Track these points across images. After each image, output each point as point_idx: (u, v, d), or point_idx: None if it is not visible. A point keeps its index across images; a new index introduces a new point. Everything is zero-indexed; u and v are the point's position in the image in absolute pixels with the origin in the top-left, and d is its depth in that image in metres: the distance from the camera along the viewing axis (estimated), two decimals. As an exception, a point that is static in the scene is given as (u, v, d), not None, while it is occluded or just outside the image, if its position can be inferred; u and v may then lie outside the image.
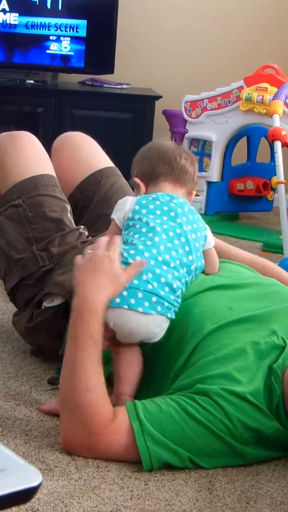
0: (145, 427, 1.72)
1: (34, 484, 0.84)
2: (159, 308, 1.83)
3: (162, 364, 1.93)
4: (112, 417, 1.74)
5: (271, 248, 3.71)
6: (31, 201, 2.31)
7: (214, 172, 4.31)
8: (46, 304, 2.19)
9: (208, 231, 2.03)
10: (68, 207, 2.36)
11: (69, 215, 2.35)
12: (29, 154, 2.40)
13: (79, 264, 1.83)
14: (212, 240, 2.03)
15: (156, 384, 1.92)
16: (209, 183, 4.34)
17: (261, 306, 1.94)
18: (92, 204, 2.47)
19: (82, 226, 2.33)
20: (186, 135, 4.40)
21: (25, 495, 0.83)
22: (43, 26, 4.52)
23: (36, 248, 2.26)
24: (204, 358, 1.81)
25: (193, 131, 4.38)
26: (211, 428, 1.73)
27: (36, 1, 4.49)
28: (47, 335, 2.22)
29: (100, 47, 4.59)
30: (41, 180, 2.34)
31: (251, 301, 1.96)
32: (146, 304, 1.82)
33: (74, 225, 2.33)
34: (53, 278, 2.18)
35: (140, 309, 1.82)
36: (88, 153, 2.58)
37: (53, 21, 4.52)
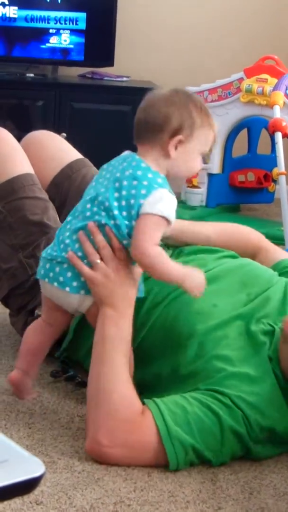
0: (172, 433, 1.71)
1: (37, 474, 0.84)
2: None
3: (157, 367, 1.94)
4: (141, 411, 1.74)
5: (273, 240, 3.66)
6: (10, 206, 2.25)
7: (215, 164, 4.31)
8: (38, 312, 2.18)
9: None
10: (49, 204, 2.32)
11: (52, 213, 2.30)
12: (2, 154, 2.32)
13: (96, 279, 1.78)
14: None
15: (153, 382, 1.93)
16: (210, 175, 4.33)
17: (243, 299, 1.97)
18: (67, 200, 2.42)
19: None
20: (187, 127, 4.38)
21: (28, 486, 0.84)
22: (42, 19, 4.51)
23: (23, 255, 2.22)
24: (220, 372, 1.82)
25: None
26: (234, 427, 1.75)
27: (35, -5, 4.48)
28: None
29: (99, 40, 4.58)
30: (18, 182, 2.27)
31: (232, 295, 1.98)
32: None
33: (59, 222, 2.28)
34: None
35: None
36: (53, 150, 2.54)
37: (52, 14, 4.50)
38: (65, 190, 2.45)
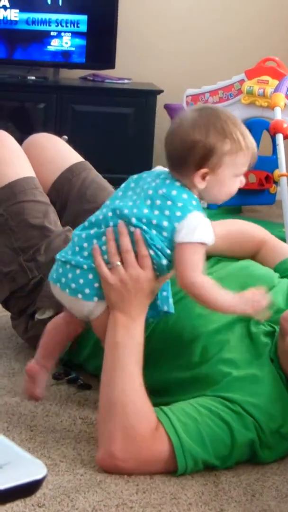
0: (184, 445, 1.69)
1: (39, 476, 0.84)
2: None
3: (159, 372, 1.93)
4: (156, 425, 1.71)
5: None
6: (12, 209, 2.24)
7: (216, 166, 4.30)
8: (38, 316, 2.18)
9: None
10: (51, 208, 2.31)
11: (53, 216, 2.29)
12: (3, 158, 2.32)
13: (112, 281, 1.74)
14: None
15: (156, 388, 1.93)
16: (212, 177, 4.33)
17: None
18: (68, 203, 2.43)
19: (67, 228, 2.26)
20: (188, 129, 4.38)
21: (30, 488, 0.84)
22: (43, 22, 4.51)
23: (23, 259, 2.21)
24: (225, 376, 1.81)
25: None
26: (244, 435, 1.74)
27: (36, -3, 4.49)
28: None
29: (101, 42, 4.59)
30: (19, 185, 2.27)
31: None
32: None
33: (60, 226, 2.29)
34: (44, 290, 2.14)
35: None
36: (54, 153, 2.53)
37: (53, 16, 4.51)
38: (65, 194, 2.45)
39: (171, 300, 1.84)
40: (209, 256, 2.11)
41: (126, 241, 1.73)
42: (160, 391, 1.89)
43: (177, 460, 1.69)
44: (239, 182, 1.77)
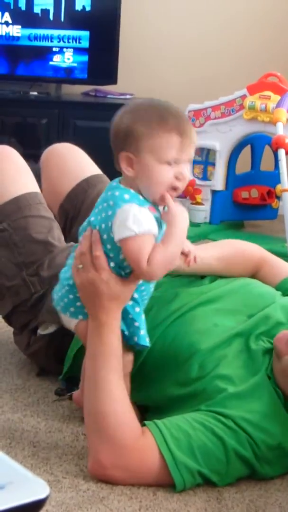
0: (177, 459, 1.69)
1: (42, 496, 0.84)
2: None
3: (157, 389, 1.93)
4: (141, 434, 1.72)
5: (277, 256, 3.70)
6: (16, 224, 2.24)
7: (218, 181, 4.32)
8: (40, 331, 2.18)
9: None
10: (55, 224, 2.31)
11: (57, 232, 2.29)
12: (8, 173, 2.32)
13: (77, 285, 1.78)
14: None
15: (155, 404, 1.93)
16: (214, 192, 4.34)
17: (243, 319, 1.96)
18: (80, 214, 2.43)
19: (71, 243, 2.26)
20: (190, 144, 4.39)
21: (33, 508, 0.83)
22: (46, 38, 4.53)
23: (26, 273, 2.21)
24: (221, 392, 1.80)
25: (197, 140, 4.37)
26: (238, 450, 1.73)
27: (38, 13, 4.50)
28: (47, 361, 2.22)
29: (103, 58, 4.60)
30: (24, 200, 2.26)
31: (233, 314, 1.98)
32: None
33: (64, 242, 2.29)
34: (46, 305, 2.13)
35: None
36: (74, 163, 2.55)
37: (56, 32, 4.53)
38: (79, 204, 2.46)
39: (143, 332, 1.80)
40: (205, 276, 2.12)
41: (83, 244, 1.76)
42: (158, 408, 1.89)
43: (172, 474, 1.69)
44: (174, 172, 1.67)
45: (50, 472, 1.75)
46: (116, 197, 1.69)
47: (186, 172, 1.69)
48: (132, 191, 1.69)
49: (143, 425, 1.75)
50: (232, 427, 1.73)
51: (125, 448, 1.70)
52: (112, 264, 1.74)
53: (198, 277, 2.13)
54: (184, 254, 1.91)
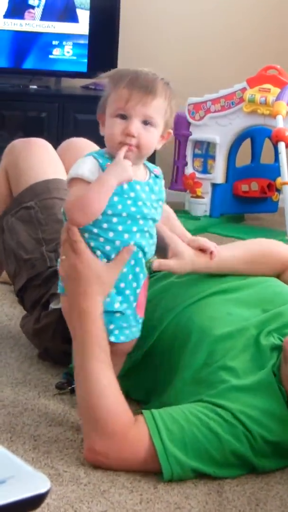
0: (168, 451, 1.71)
1: (43, 490, 0.84)
2: None
3: (164, 371, 1.95)
4: (133, 422, 1.74)
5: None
6: (43, 203, 2.33)
7: (218, 174, 4.31)
8: (53, 305, 2.20)
9: None
10: None
11: None
12: (43, 159, 2.44)
13: (62, 276, 1.81)
14: None
15: (161, 386, 1.93)
16: (214, 185, 4.34)
17: (257, 313, 1.96)
18: None
19: None
20: (190, 137, 4.40)
21: (34, 502, 0.83)
22: (45, 31, 4.52)
23: (46, 249, 2.26)
24: (223, 383, 1.81)
25: (197, 134, 4.38)
26: (233, 446, 1.73)
27: (38, 7, 4.49)
28: (53, 337, 2.22)
29: (102, 51, 4.60)
30: (54, 183, 2.37)
31: (248, 307, 1.98)
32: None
33: None
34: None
35: None
36: None
37: (55, 25, 4.52)
38: None
39: (139, 327, 1.84)
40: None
41: (62, 235, 1.80)
42: (164, 393, 1.91)
43: (160, 462, 1.70)
44: (115, 124, 1.74)
45: (51, 465, 1.76)
46: (80, 160, 1.76)
47: (133, 128, 1.72)
48: (103, 151, 1.77)
49: (140, 413, 1.76)
50: (229, 420, 1.74)
51: (116, 435, 1.72)
52: (98, 253, 1.76)
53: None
54: (203, 251, 1.92)
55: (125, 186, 1.75)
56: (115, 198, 1.74)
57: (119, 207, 1.75)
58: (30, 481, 0.85)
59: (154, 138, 1.76)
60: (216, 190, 4.34)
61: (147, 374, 1.99)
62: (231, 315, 1.93)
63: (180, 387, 1.87)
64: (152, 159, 5.03)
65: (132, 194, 1.76)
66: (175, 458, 1.70)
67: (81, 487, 1.68)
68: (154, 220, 1.82)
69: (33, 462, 1.77)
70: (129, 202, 1.76)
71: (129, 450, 1.73)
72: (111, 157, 1.74)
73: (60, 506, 1.60)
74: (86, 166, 1.73)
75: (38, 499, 0.83)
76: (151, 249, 1.83)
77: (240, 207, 4.48)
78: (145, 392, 2.00)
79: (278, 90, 3.95)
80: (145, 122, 1.73)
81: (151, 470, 1.73)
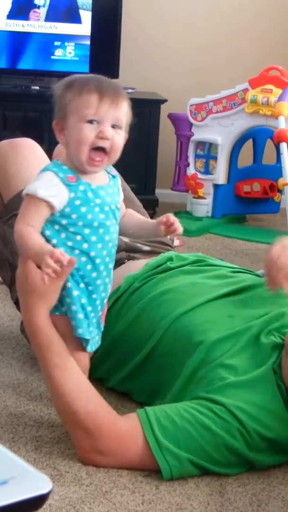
0: (162, 444, 1.72)
1: (45, 491, 0.84)
2: None
3: (166, 374, 1.95)
4: (115, 414, 1.76)
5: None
6: None
7: (220, 175, 4.31)
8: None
9: None
10: None
11: None
12: (31, 162, 2.37)
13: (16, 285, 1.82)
14: None
15: (164, 389, 1.94)
16: (216, 186, 4.34)
17: (259, 315, 1.96)
18: None
19: None
20: (192, 138, 4.40)
21: (36, 503, 0.84)
22: (47, 32, 4.52)
23: None
24: (222, 380, 1.81)
25: (198, 134, 4.38)
26: (227, 441, 1.74)
27: (40, 7, 4.50)
28: None
29: (104, 52, 4.59)
30: None
31: (251, 308, 1.98)
32: None
33: None
34: None
35: None
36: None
37: (57, 26, 4.52)
38: None
39: (81, 316, 1.80)
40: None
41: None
42: (165, 393, 1.92)
43: (156, 458, 1.71)
44: (88, 129, 1.71)
45: (53, 466, 1.76)
46: (40, 172, 1.75)
47: (108, 131, 1.72)
48: (59, 163, 1.75)
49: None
50: (222, 416, 1.74)
51: (100, 432, 1.73)
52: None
53: (221, 269, 2.15)
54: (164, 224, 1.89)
55: (90, 194, 1.75)
56: (83, 209, 1.74)
57: (89, 216, 1.75)
58: (32, 481, 0.85)
59: (122, 141, 1.77)
60: (218, 191, 4.34)
61: (149, 377, 2.00)
62: (233, 317, 1.94)
63: (180, 387, 1.88)
64: (154, 160, 5.01)
65: (98, 201, 1.76)
66: (168, 451, 1.71)
67: (83, 488, 1.68)
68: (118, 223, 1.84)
69: (35, 462, 1.77)
70: (96, 209, 1.76)
71: (122, 444, 1.74)
72: (71, 167, 1.74)
73: (62, 506, 1.60)
74: (40, 184, 1.72)
75: (40, 500, 0.83)
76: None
77: (242, 208, 4.48)
78: (148, 395, 2.00)
79: (280, 90, 3.95)
80: (114, 126, 1.74)
81: (149, 467, 1.74)
